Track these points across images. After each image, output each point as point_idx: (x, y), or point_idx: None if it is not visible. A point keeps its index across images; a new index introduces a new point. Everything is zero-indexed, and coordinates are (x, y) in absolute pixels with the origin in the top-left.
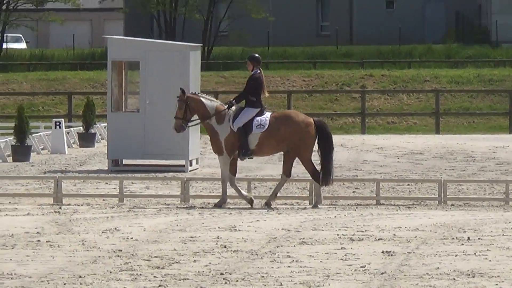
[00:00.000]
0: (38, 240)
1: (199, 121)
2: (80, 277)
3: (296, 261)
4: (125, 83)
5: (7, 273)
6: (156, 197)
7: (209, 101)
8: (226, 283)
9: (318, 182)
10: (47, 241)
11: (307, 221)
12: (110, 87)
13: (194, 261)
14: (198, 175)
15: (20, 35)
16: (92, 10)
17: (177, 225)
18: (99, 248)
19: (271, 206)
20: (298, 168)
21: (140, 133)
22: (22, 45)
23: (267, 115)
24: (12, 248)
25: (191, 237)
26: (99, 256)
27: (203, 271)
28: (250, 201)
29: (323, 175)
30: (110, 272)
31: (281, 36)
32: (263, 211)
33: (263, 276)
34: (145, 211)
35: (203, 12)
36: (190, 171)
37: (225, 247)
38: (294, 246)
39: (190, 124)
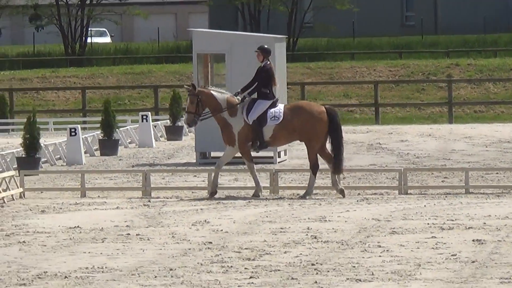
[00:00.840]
0: (128, 234)
1: (210, 114)
2: (170, 269)
3: (387, 250)
4: (211, 75)
5: (98, 267)
6: (245, 189)
7: (220, 94)
8: (317, 273)
9: (314, 175)
10: (137, 235)
11: (396, 210)
12: (196, 80)
13: (285, 252)
14: (287, 166)
15: (105, 29)
16: (176, 3)
17: (266, 216)
18: (189, 240)
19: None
20: (386, 158)
21: None
22: (107, 39)
23: (281, 106)
24: (102, 242)
25: (281, 228)
26: (190, 249)
27: (293, 262)
28: (212, 195)
29: (335, 163)
30: (201, 265)
31: (366, 27)
32: (353, 201)
33: (354, 266)
34: (235, 203)
35: (287, 3)
36: (278, 162)
37: (315, 237)
38: (385, 235)
39: (201, 117)
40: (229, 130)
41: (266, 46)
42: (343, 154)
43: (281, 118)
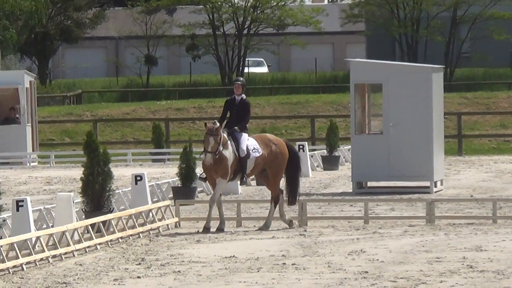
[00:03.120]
0: (284, 263)
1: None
2: None
3: None
4: (368, 105)
5: None
6: (401, 218)
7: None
8: None
9: (275, 206)
10: (292, 264)
11: None
12: (353, 110)
13: (441, 281)
14: (443, 196)
15: (262, 59)
16: (334, 33)
17: (423, 246)
18: (345, 270)
19: (292, 226)
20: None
21: (384, 155)
22: (264, 69)
23: (251, 139)
24: (258, 271)
25: (437, 258)
26: (345, 278)
27: None
28: (206, 230)
29: (291, 195)
30: None
31: None
32: (509, 231)
33: None
34: (391, 232)
35: (444, 34)
36: (435, 192)
37: (471, 267)
38: None
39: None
40: (226, 163)
41: (242, 79)
42: (299, 185)
43: (261, 151)
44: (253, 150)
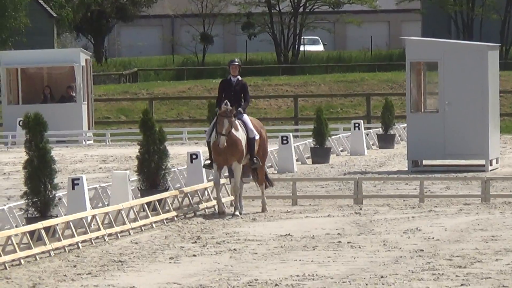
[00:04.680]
0: (339, 241)
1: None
2: (381, 277)
3: None
4: (424, 83)
5: (309, 274)
6: (457, 197)
7: None
8: None
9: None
10: (348, 242)
11: None
12: (409, 88)
13: (496, 260)
14: (499, 174)
15: (317, 37)
16: (389, 11)
17: (478, 224)
18: (400, 248)
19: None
20: None
21: (439, 134)
22: (319, 47)
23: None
24: (313, 250)
25: (493, 236)
26: (401, 256)
27: (505, 270)
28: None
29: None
30: (412, 272)
31: None
32: None
33: None
34: (446, 211)
35: (500, 12)
36: (490, 170)
37: None
38: None
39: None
40: (240, 146)
41: (238, 60)
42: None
43: (257, 132)
44: (255, 132)
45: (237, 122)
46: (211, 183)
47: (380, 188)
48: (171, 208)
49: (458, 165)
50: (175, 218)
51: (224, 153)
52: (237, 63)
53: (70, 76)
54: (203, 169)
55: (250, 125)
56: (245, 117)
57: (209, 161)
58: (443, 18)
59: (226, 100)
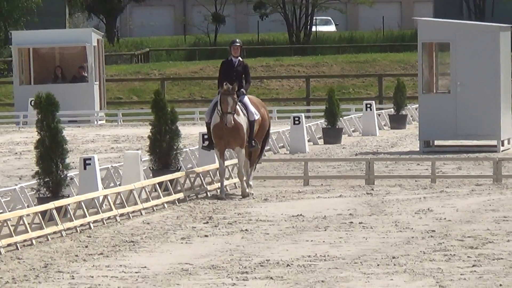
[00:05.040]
0: (351, 222)
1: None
2: (393, 258)
3: None
4: (436, 64)
5: (320, 255)
6: (468, 177)
7: None
8: None
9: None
10: (359, 223)
11: None
12: (421, 69)
13: (508, 240)
14: (510, 155)
15: (329, 18)
16: None
17: (490, 205)
18: (412, 229)
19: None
20: None
21: (451, 114)
22: (332, 28)
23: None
24: (325, 230)
25: (504, 217)
26: (412, 237)
27: None
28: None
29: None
30: (424, 253)
31: None
32: None
33: None
34: (458, 191)
35: None
36: (502, 151)
37: None
38: None
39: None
40: (242, 131)
41: (239, 40)
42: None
43: (258, 113)
44: (255, 113)
45: (238, 106)
46: (230, 162)
47: (392, 169)
48: (183, 189)
49: (470, 146)
50: (187, 199)
51: (226, 137)
52: (238, 44)
53: (82, 56)
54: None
55: (251, 107)
56: (245, 99)
57: (207, 142)
58: None
59: (230, 78)
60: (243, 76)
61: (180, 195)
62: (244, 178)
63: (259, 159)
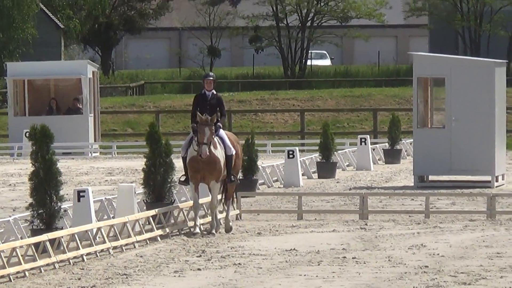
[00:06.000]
0: (344, 257)
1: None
2: None
3: None
4: (431, 99)
5: None
6: (462, 213)
7: None
8: None
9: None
10: (353, 258)
11: None
12: (416, 103)
13: (501, 277)
14: (505, 191)
15: (325, 52)
16: (397, 26)
17: (483, 241)
18: (405, 264)
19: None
20: None
21: (446, 149)
22: (327, 62)
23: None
24: (318, 265)
25: (498, 253)
26: (405, 272)
27: (510, 287)
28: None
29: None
30: None
31: None
32: None
33: None
34: (451, 227)
35: (508, 28)
36: (496, 186)
37: None
38: None
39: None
40: (219, 164)
41: (213, 74)
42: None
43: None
44: (232, 148)
45: (215, 139)
46: (217, 197)
47: (386, 204)
48: (176, 222)
49: (464, 181)
50: (180, 232)
51: (202, 171)
52: (211, 78)
53: (77, 88)
54: None
55: (228, 142)
56: (222, 132)
57: (184, 177)
58: (451, 34)
59: (204, 112)
60: (218, 109)
61: (174, 228)
62: (223, 215)
63: (232, 197)
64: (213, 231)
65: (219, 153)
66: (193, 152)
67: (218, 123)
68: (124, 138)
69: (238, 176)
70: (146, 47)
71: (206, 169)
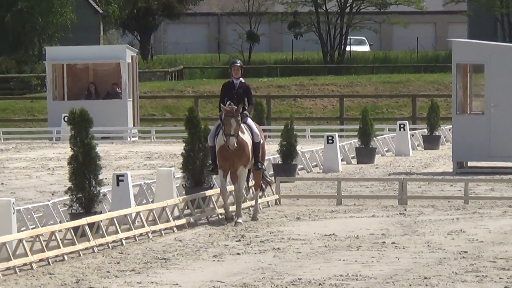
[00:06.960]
0: (383, 242)
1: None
2: (425, 278)
3: None
4: (470, 85)
5: (352, 275)
6: (501, 199)
7: None
8: None
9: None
10: (392, 243)
11: None
12: (455, 90)
13: None
14: None
15: (364, 38)
16: (436, 12)
17: None
18: (444, 249)
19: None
20: None
21: (485, 136)
22: (366, 48)
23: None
24: (357, 250)
25: None
26: (444, 258)
27: None
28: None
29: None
30: (456, 274)
31: None
32: None
33: None
34: (490, 213)
35: None
36: None
37: None
38: None
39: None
40: (247, 149)
41: (240, 61)
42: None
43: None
44: (260, 136)
45: (242, 125)
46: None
47: (425, 189)
48: (216, 206)
49: (503, 167)
50: (219, 216)
51: (231, 158)
52: (238, 65)
53: (115, 72)
54: None
55: (256, 129)
56: (249, 120)
57: (212, 166)
58: (490, 20)
59: (229, 101)
60: (246, 98)
61: (213, 213)
62: (253, 202)
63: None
64: (239, 220)
65: (247, 138)
66: (221, 141)
67: (245, 111)
68: (163, 123)
69: (278, 161)
70: (185, 32)
71: (235, 155)
